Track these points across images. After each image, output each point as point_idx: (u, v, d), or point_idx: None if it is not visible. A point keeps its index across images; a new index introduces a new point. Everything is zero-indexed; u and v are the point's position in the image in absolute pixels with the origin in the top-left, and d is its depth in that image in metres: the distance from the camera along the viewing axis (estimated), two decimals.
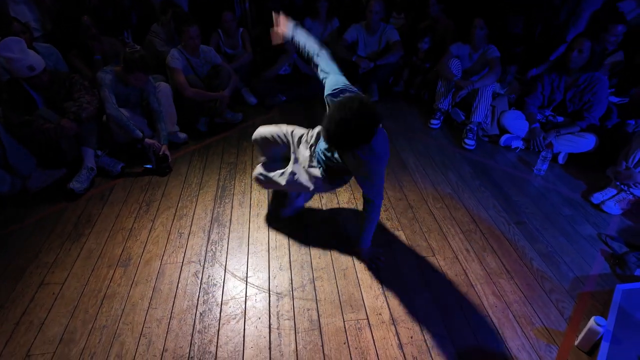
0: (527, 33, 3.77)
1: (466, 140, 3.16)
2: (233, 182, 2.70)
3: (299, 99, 3.97)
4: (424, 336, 1.69)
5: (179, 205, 2.49)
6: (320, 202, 2.51)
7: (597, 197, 2.50)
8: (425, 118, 3.58)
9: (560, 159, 2.93)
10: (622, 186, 2.47)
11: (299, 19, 4.25)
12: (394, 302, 1.84)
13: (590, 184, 2.71)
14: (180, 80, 3.11)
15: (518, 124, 3.08)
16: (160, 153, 2.77)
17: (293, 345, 1.64)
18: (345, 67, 3.96)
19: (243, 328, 1.72)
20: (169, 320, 1.76)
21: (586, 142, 2.84)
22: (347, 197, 2.55)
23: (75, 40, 3.31)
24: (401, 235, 2.24)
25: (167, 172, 2.80)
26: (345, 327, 1.72)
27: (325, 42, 4.29)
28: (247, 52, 3.88)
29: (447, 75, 3.38)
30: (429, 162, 2.96)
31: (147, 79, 2.80)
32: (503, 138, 3.15)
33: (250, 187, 2.64)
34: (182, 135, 3.18)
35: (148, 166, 2.79)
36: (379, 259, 2.03)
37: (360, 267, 2.02)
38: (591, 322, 1.58)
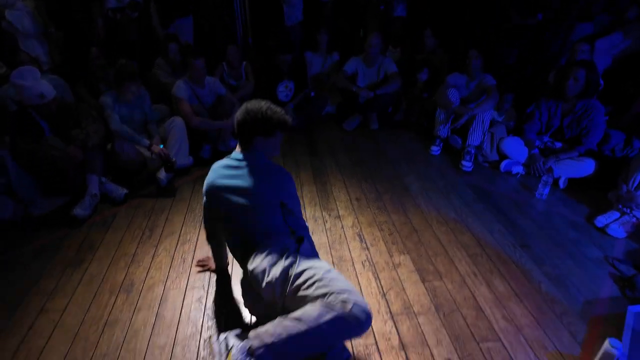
0: (520, 63, 3.90)
1: (463, 162, 3.21)
2: None
3: (307, 121, 4.05)
4: (434, 359, 1.64)
5: (182, 230, 2.47)
6: (324, 226, 2.50)
7: (600, 221, 2.51)
8: (426, 144, 3.64)
9: (561, 184, 2.96)
10: (625, 209, 2.49)
11: (300, 53, 4.41)
12: (403, 327, 1.80)
13: (593, 207, 2.72)
14: (186, 109, 3.18)
15: (517, 150, 3.14)
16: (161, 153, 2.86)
17: None
18: (346, 97, 4.11)
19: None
20: (172, 347, 1.70)
21: (585, 167, 2.88)
22: (350, 221, 2.55)
23: (83, 72, 3.41)
24: (407, 259, 2.22)
25: (174, 168, 2.91)
26: (354, 353, 1.67)
27: (326, 74, 4.44)
28: (249, 83, 3.99)
29: (446, 103, 3.46)
30: (432, 186, 2.98)
31: (138, 88, 2.94)
32: (503, 163, 3.19)
33: None
34: (190, 158, 3.22)
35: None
36: None
37: (367, 291, 1.99)
38: (606, 345, 1.54)
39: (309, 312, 1.35)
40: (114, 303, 1.94)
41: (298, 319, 1.35)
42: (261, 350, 1.36)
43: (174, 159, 2.90)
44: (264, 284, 1.51)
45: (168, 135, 3.04)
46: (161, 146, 2.91)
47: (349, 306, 1.32)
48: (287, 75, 3.96)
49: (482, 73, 3.49)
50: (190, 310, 1.90)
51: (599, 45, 3.46)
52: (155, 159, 2.87)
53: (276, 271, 1.49)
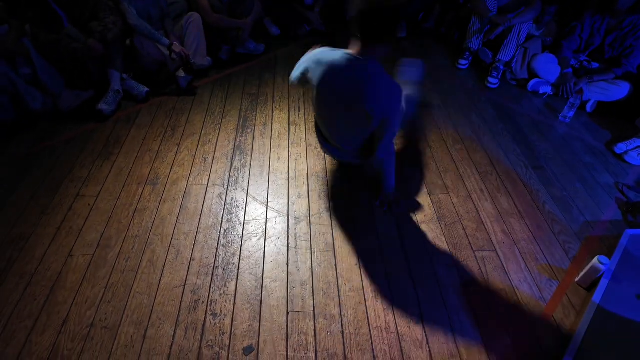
0: None
1: (489, 79, 3.08)
2: (255, 113, 2.74)
3: (331, 24, 3.84)
4: (431, 263, 1.80)
5: (203, 132, 2.56)
6: None
7: (620, 147, 2.47)
8: (453, 58, 3.46)
9: (589, 107, 2.85)
10: None
11: None
12: (407, 233, 1.93)
13: (616, 134, 2.65)
14: (204, 4, 3.03)
15: (549, 69, 2.96)
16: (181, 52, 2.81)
17: (309, 263, 1.78)
18: None
19: (264, 245, 1.85)
20: (195, 234, 1.90)
21: (619, 90, 2.73)
22: None
23: None
24: (417, 173, 2.29)
25: (195, 92, 2.89)
26: (357, 252, 1.84)
27: None
28: None
29: (482, 10, 3.19)
30: (453, 103, 2.91)
31: None
32: (531, 82, 3.05)
33: (272, 120, 2.67)
34: (208, 59, 3.17)
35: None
36: (397, 203, 2.05)
37: (375, 199, 2.10)
38: (594, 261, 1.65)
39: None
40: (142, 193, 2.11)
41: None
42: None
43: (193, 61, 2.87)
44: None
45: (185, 32, 2.95)
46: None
47: None
48: None
49: None
50: (212, 204, 2.06)
51: None
52: (176, 58, 2.83)
53: None
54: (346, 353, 1.49)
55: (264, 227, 1.95)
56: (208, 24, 3.08)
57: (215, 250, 1.83)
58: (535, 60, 3.01)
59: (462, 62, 3.35)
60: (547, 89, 3.01)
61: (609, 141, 2.60)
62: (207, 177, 2.22)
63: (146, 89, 2.82)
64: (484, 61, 3.36)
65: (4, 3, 2.61)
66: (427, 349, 1.51)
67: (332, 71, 1.62)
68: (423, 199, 2.13)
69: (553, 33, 3.31)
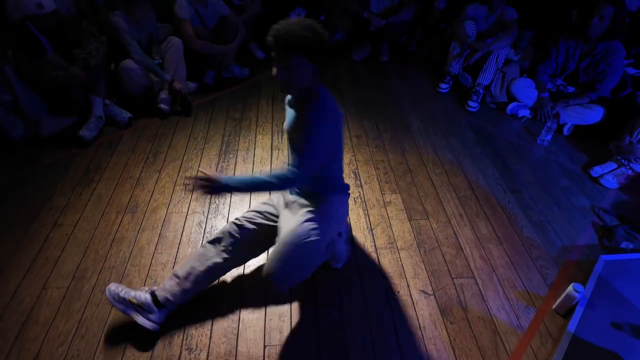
0: None
1: (469, 102, 3.15)
2: (238, 138, 2.75)
3: None
4: (409, 290, 1.80)
5: (185, 157, 2.56)
6: None
7: (596, 171, 2.52)
8: (435, 82, 3.53)
9: (565, 131, 2.92)
10: (623, 160, 2.48)
11: None
12: (385, 260, 1.94)
13: (592, 157, 2.71)
14: (188, 31, 3.07)
15: (527, 93, 3.04)
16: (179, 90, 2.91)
17: (287, 293, 1.77)
18: (356, 24, 3.89)
19: (242, 274, 1.84)
20: (173, 264, 1.88)
21: (594, 115, 2.81)
22: (348, 159, 2.60)
23: None
24: (397, 198, 2.31)
25: (191, 109, 2.98)
26: (336, 278, 1.83)
27: None
28: (256, 4, 3.77)
29: (462, 36, 3.29)
30: (434, 127, 2.96)
31: (150, 8, 2.85)
32: (510, 106, 3.12)
33: (254, 144, 2.69)
34: (192, 84, 3.20)
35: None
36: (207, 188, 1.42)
37: (356, 226, 2.11)
38: (569, 288, 1.67)
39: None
40: (121, 222, 2.09)
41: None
42: None
43: (190, 99, 2.96)
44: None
45: (164, 55, 2.98)
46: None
47: None
48: (300, 2, 3.71)
49: (504, 5, 3.25)
50: (191, 232, 2.05)
51: None
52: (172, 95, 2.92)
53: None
54: None
55: None
56: (192, 50, 3.12)
57: None
58: (513, 84, 3.10)
59: (443, 85, 3.42)
60: (525, 113, 3.09)
61: (585, 164, 2.66)
62: (187, 205, 2.21)
63: (129, 114, 2.82)
64: (464, 85, 3.44)
65: None
66: None
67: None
68: (403, 224, 2.14)
69: (531, 57, 3.41)
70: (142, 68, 2.83)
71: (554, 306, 1.77)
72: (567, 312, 1.73)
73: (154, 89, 3.00)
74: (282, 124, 2.87)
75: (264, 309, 1.71)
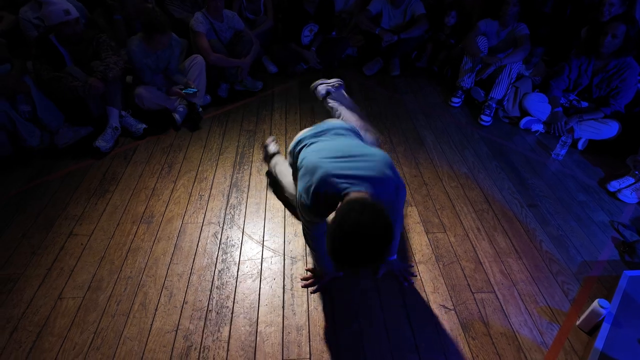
0: (556, 13, 3.63)
1: (482, 117, 3.15)
2: (252, 149, 2.76)
3: (326, 63, 3.95)
4: (429, 304, 1.76)
5: (200, 169, 2.56)
6: None
7: (613, 185, 2.50)
8: (446, 96, 3.55)
9: (580, 145, 2.90)
10: None
11: None
12: None
13: (608, 171, 2.69)
14: (204, 45, 3.12)
15: (540, 107, 3.04)
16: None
17: (305, 306, 1.74)
18: (367, 40, 3.94)
19: (259, 287, 1.82)
20: (189, 275, 1.86)
21: (609, 129, 2.79)
22: None
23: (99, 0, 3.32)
24: (414, 211, 2.29)
25: (200, 119, 3.02)
26: (353, 293, 1.80)
27: (348, 12, 4.23)
28: (268, 19, 3.84)
29: (474, 51, 3.31)
30: (447, 140, 2.96)
31: (169, 39, 2.83)
32: (523, 120, 3.12)
33: None
34: (207, 97, 3.24)
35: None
36: (408, 271, 1.90)
37: None
38: (595, 304, 1.63)
39: None
40: (136, 232, 2.09)
41: None
42: None
43: (200, 110, 3.00)
44: None
45: (187, 72, 3.02)
46: (191, 89, 2.92)
47: None
48: (313, 18, 3.76)
49: (516, 21, 3.28)
50: (207, 243, 2.04)
51: None
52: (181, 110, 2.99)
53: None
54: None
55: (260, 267, 1.92)
56: (208, 63, 3.16)
57: (209, 293, 1.78)
58: (526, 98, 3.10)
59: (455, 100, 3.43)
60: (539, 127, 3.08)
61: (602, 179, 2.63)
62: (203, 215, 2.20)
63: (144, 125, 2.85)
64: (476, 99, 3.45)
65: (7, 41, 2.67)
66: None
67: None
68: (420, 237, 2.11)
69: (542, 72, 3.42)
70: (156, 89, 2.90)
71: (577, 322, 1.73)
72: (591, 328, 1.69)
73: (168, 109, 3.02)
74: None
75: (281, 322, 1.68)
